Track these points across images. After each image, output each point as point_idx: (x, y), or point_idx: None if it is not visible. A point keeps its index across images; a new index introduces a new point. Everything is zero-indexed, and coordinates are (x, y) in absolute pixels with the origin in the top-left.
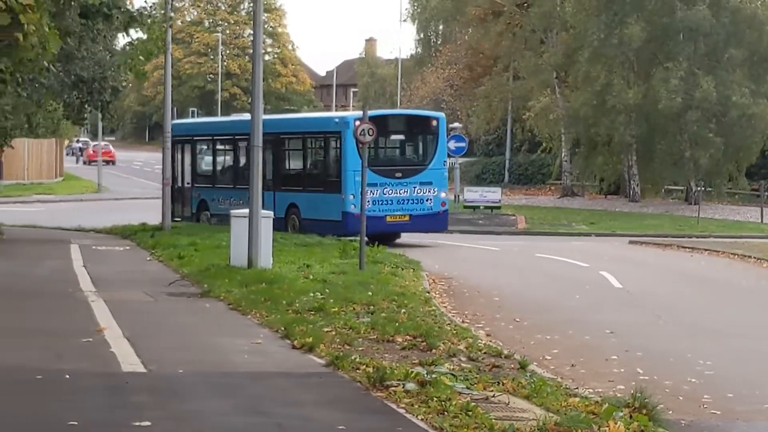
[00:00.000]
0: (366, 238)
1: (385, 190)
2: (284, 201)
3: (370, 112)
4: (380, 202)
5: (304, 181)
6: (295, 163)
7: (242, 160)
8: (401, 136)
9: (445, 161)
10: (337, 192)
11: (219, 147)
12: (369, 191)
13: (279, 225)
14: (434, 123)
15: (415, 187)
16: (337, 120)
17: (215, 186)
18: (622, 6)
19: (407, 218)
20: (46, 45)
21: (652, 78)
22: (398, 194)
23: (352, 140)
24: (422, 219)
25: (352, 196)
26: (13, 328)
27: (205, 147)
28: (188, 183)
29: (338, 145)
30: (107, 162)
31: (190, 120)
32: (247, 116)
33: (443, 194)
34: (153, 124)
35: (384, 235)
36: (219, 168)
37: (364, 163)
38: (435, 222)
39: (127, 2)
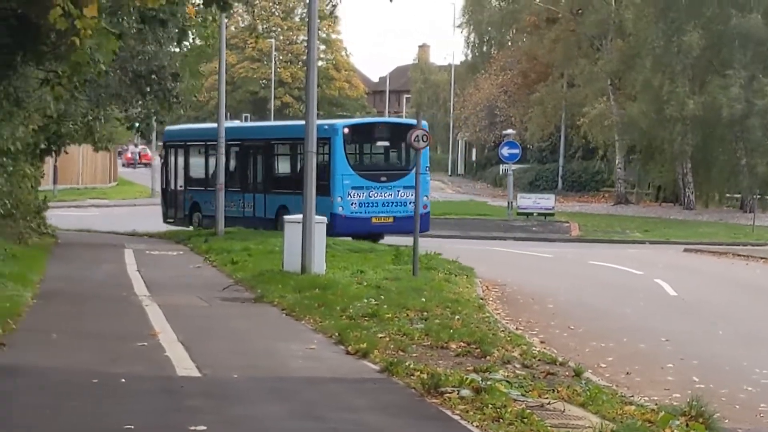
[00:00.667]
0: (350, 237)
1: (371, 193)
2: (275, 203)
3: (355, 120)
4: (366, 205)
5: (294, 184)
6: (285, 167)
7: (232, 164)
8: (386, 143)
9: (427, 166)
10: (326, 195)
11: (211, 152)
12: (355, 194)
13: (270, 226)
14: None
15: (398, 191)
16: (326, 127)
17: (207, 189)
18: (680, 14)
19: (391, 220)
20: (101, 51)
21: (708, 86)
22: (383, 197)
23: (341, 146)
24: (405, 220)
25: (339, 199)
26: (69, 332)
27: (197, 152)
28: (181, 186)
29: (327, 151)
30: (145, 165)
31: (182, 126)
32: (236, 123)
33: (425, 198)
34: None
35: (369, 235)
36: (211, 171)
37: (418, 169)
38: (420, 223)
39: (186, 9)
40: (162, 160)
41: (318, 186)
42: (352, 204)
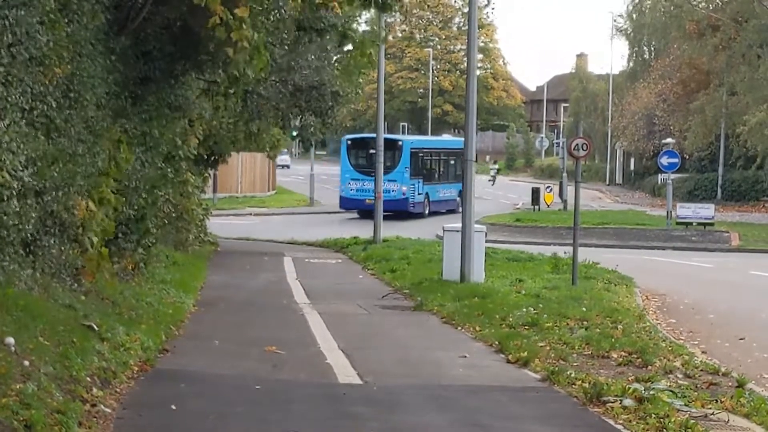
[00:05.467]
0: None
1: (365, 183)
2: None
3: (356, 136)
4: (362, 191)
5: None
6: None
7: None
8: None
9: (406, 167)
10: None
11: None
12: (354, 183)
13: None
14: (399, 143)
15: (385, 182)
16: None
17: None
18: None
19: None
20: (254, 61)
21: None
22: (372, 186)
23: (345, 152)
24: (389, 202)
25: (342, 186)
26: (231, 339)
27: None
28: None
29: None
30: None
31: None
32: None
33: (404, 188)
34: None
35: (365, 211)
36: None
37: (578, 176)
38: (398, 204)
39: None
40: None
41: None
42: (350, 189)
